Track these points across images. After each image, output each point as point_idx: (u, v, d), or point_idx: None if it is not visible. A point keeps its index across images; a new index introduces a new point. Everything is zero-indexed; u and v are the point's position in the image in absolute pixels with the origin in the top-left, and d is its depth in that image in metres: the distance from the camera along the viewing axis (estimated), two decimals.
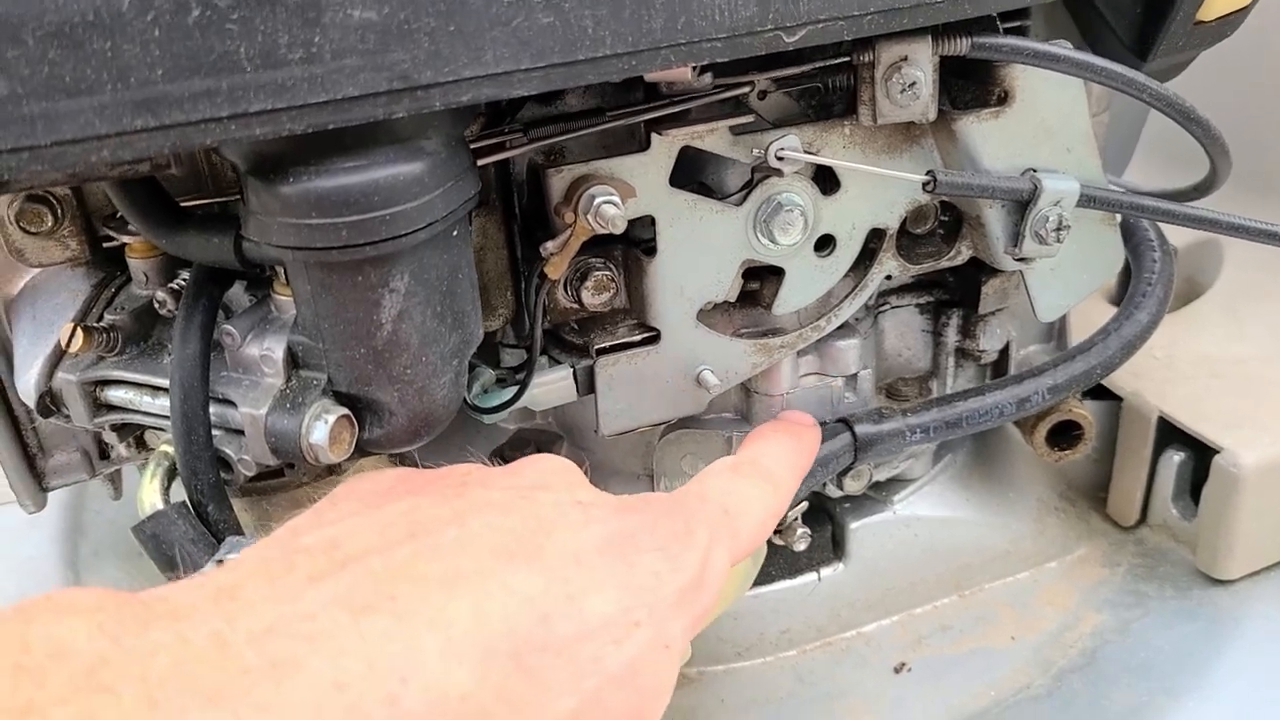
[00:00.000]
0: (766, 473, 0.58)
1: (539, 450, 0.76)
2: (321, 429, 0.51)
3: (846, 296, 0.69)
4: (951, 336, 0.80)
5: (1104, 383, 0.87)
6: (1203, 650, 0.74)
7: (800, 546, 0.69)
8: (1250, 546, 0.79)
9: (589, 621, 0.42)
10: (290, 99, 0.43)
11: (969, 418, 0.72)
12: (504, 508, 0.45)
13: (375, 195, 0.48)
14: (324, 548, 0.42)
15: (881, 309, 0.78)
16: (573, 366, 0.64)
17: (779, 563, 0.78)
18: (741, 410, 0.73)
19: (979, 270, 0.76)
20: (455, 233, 0.52)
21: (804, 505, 0.68)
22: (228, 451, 0.55)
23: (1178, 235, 0.99)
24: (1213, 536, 0.80)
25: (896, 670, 0.78)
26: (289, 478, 0.56)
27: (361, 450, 0.55)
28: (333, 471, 0.58)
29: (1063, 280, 0.71)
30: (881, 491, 0.81)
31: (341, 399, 0.53)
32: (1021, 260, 0.69)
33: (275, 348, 0.53)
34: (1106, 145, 0.80)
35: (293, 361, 0.53)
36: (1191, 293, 0.99)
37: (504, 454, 0.76)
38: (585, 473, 0.52)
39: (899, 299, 0.79)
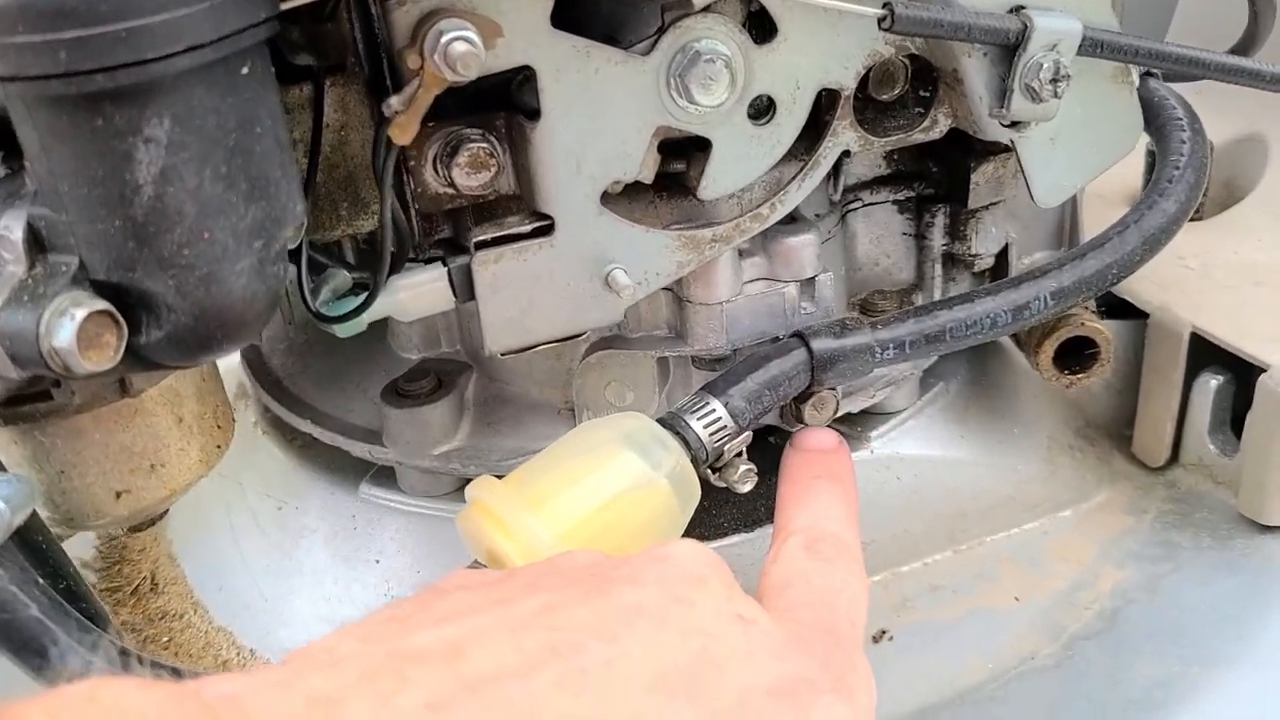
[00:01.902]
0: (845, 548, 0.49)
1: (440, 383, 0.64)
2: (67, 328, 0.39)
3: (795, 178, 0.56)
4: (937, 239, 0.66)
5: (1127, 298, 0.74)
6: (1245, 610, 0.61)
7: (744, 487, 0.56)
8: None
9: None
10: None
11: (954, 330, 0.58)
12: (659, 616, 0.38)
13: (102, 2, 0.35)
14: (444, 655, 0.33)
15: (851, 206, 0.65)
16: (446, 264, 0.52)
17: (731, 512, 0.65)
18: (675, 326, 0.60)
19: (967, 155, 0.63)
20: (245, 70, 0.40)
21: (748, 437, 0.55)
22: None
23: (1216, 132, 0.85)
24: (1258, 474, 0.66)
25: (875, 639, 0.65)
26: (59, 400, 0.44)
27: (144, 361, 0.42)
28: (126, 391, 0.46)
29: (1066, 154, 0.57)
30: (855, 426, 0.68)
31: (104, 291, 0.41)
32: (1013, 127, 0.55)
33: (14, 225, 0.41)
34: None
35: (37, 243, 0.41)
36: (1230, 198, 0.85)
37: (398, 388, 0.64)
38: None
39: (872, 194, 0.66)
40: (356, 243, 0.61)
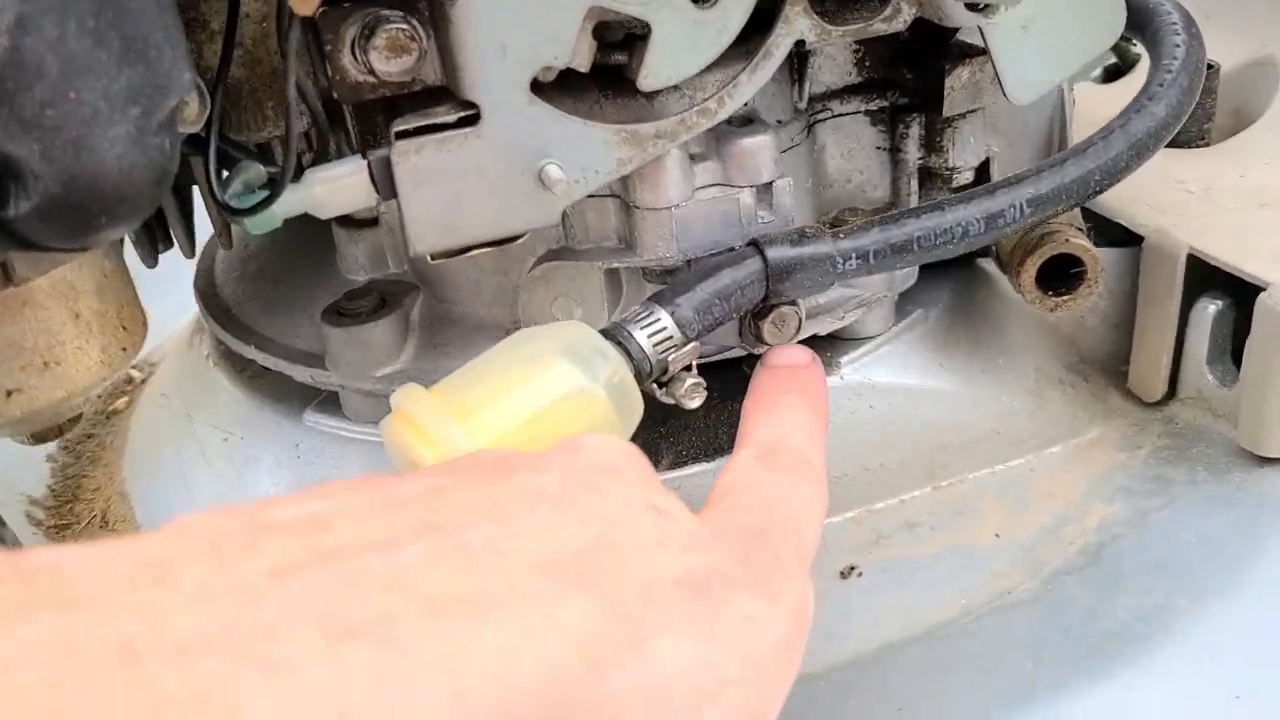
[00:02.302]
0: (804, 461, 0.46)
1: (384, 302, 0.61)
2: None
3: (744, 70, 0.52)
4: (912, 151, 0.62)
5: (1122, 221, 0.70)
6: (1238, 543, 0.56)
7: (691, 403, 0.52)
8: None
9: (658, 674, 0.31)
10: None
11: (922, 240, 0.54)
12: (559, 500, 0.35)
13: None
14: (303, 526, 0.30)
15: (819, 116, 0.61)
16: (365, 155, 0.49)
17: (690, 439, 0.62)
18: (624, 235, 0.57)
19: (942, 58, 0.59)
20: None
21: (695, 348, 0.52)
22: None
23: (1225, 57, 0.80)
24: (1257, 402, 0.62)
25: (843, 575, 0.61)
26: None
27: (15, 237, 0.40)
28: (10, 279, 0.43)
29: (1040, 45, 0.53)
30: (824, 351, 0.64)
31: None
32: (980, 11, 0.51)
33: None
34: None
35: None
36: (1240, 125, 0.80)
37: (340, 307, 0.61)
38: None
39: (842, 104, 0.62)
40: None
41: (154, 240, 0.58)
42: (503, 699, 0.28)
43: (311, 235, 0.69)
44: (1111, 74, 0.91)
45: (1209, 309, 0.65)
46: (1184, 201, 0.70)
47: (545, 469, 0.36)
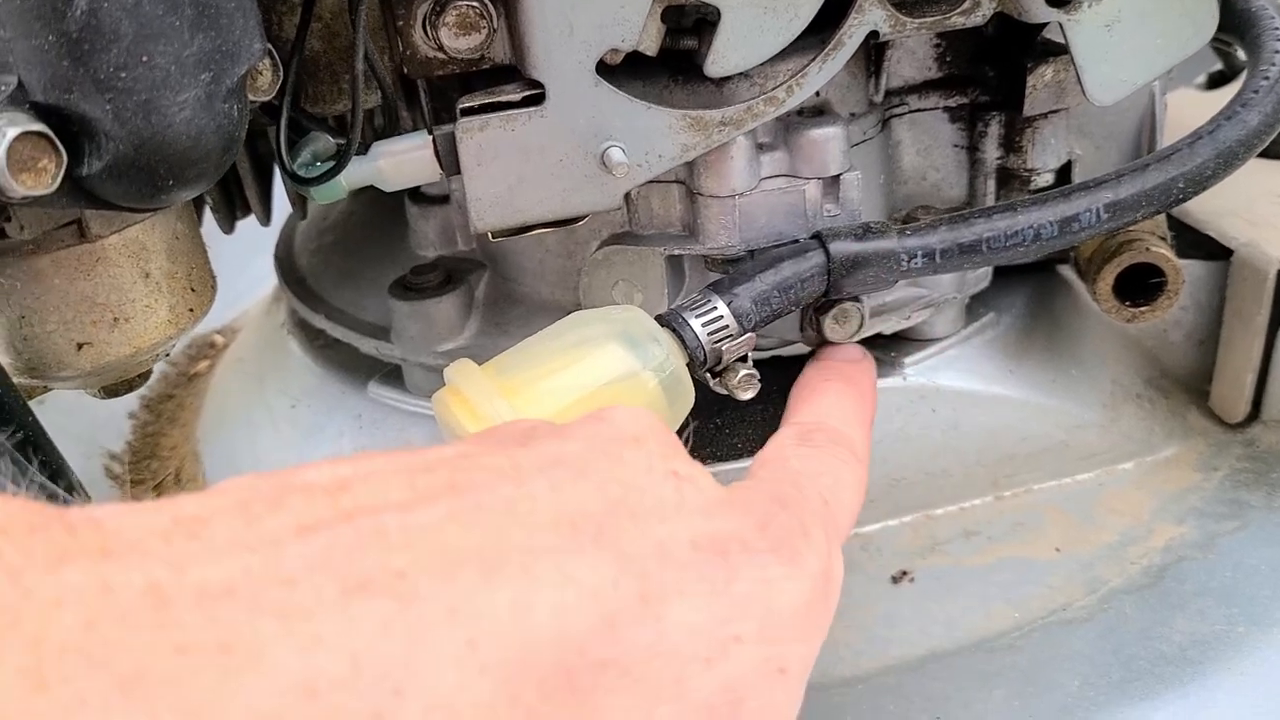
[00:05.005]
0: (843, 440, 0.47)
1: (449, 279, 0.62)
2: None
3: (814, 59, 0.51)
4: (991, 150, 0.61)
5: (1212, 234, 0.67)
6: None
7: (745, 394, 0.52)
8: None
9: (669, 633, 0.31)
10: None
11: (991, 241, 0.53)
12: (579, 465, 0.35)
13: None
14: (328, 487, 0.31)
15: (896, 110, 0.60)
16: (431, 131, 0.49)
17: (745, 432, 0.61)
18: (688, 222, 0.56)
19: (1025, 56, 0.58)
20: None
21: (751, 339, 0.51)
22: None
23: None
24: None
25: (895, 579, 0.60)
26: (13, 236, 0.43)
27: (86, 193, 0.41)
28: (85, 235, 0.45)
29: (1124, 44, 0.51)
30: (888, 351, 0.63)
31: (45, 114, 0.39)
32: (1062, 7, 0.50)
33: None
34: None
35: None
36: None
37: (406, 281, 0.62)
38: (685, 441, 0.41)
39: (921, 99, 0.60)
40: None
41: (232, 207, 0.60)
42: (517, 649, 0.29)
43: (386, 210, 0.70)
44: (1216, 80, 0.88)
45: None
46: (1279, 215, 0.67)
47: (570, 437, 0.37)
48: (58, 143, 0.39)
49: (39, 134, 0.38)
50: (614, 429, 0.37)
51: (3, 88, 0.39)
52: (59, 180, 0.39)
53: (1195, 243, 0.68)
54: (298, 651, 0.26)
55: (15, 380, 0.46)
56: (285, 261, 0.73)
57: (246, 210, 0.61)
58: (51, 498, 0.41)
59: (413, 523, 0.30)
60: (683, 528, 0.34)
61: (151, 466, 0.77)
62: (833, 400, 0.50)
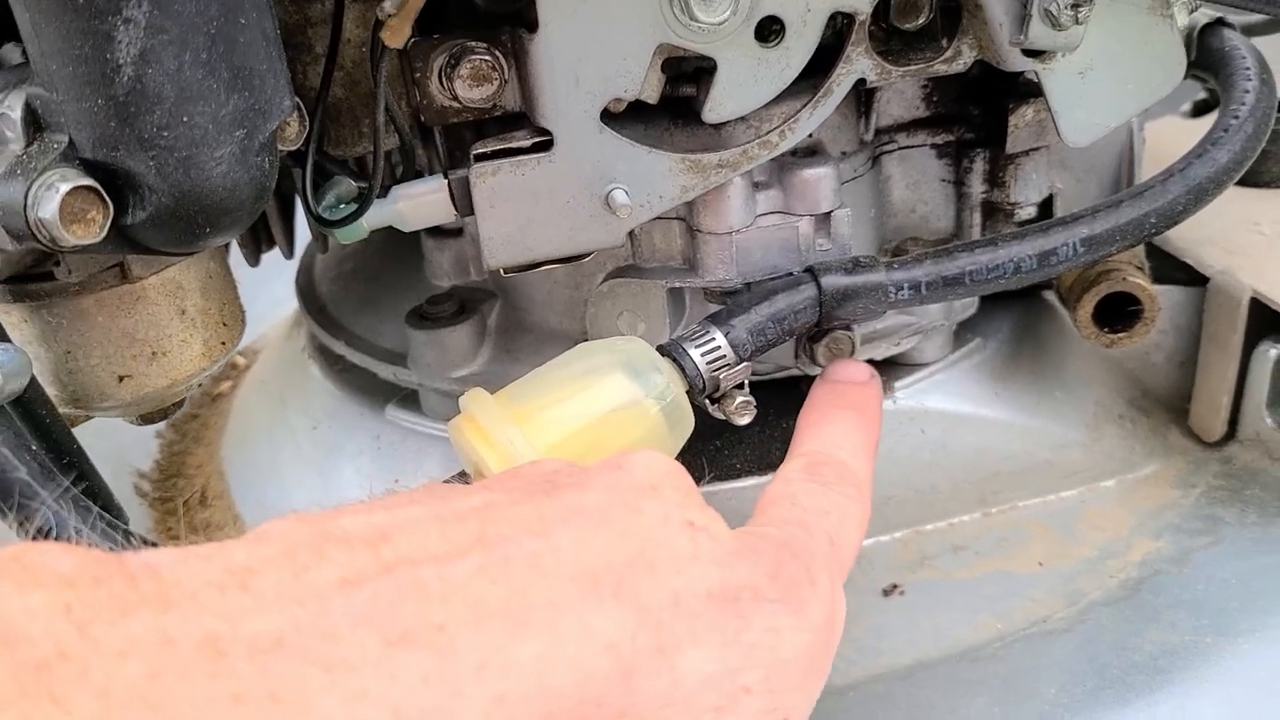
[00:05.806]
0: (849, 475, 0.49)
1: (463, 308, 0.65)
2: (51, 200, 0.41)
3: (806, 105, 0.55)
4: (976, 185, 0.64)
5: (1189, 261, 0.70)
6: (1276, 585, 0.57)
7: (741, 420, 0.55)
8: None
9: (683, 682, 0.34)
10: None
11: (974, 274, 0.56)
12: (600, 516, 0.37)
13: None
14: (368, 539, 0.33)
15: (885, 148, 0.64)
16: (446, 175, 0.53)
17: (744, 453, 0.65)
18: (688, 257, 0.60)
19: (1007, 96, 0.61)
20: None
21: (747, 368, 0.55)
22: None
23: None
24: None
25: (885, 592, 0.64)
26: (61, 279, 0.47)
27: (130, 240, 0.44)
28: (126, 277, 0.48)
29: (1097, 90, 0.55)
30: (879, 375, 0.66)
31: (92, 169, 0.43)
32: (1036, 57, 0.53)
33: (15, 104, 0.43)
34: None
35: (34, 121, 0.43)
36: None
37: (422, 311, 0.65)
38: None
39: (909, 136, 0.64)
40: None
41: (258, 241, 0.63)
42: (541, 703, 0.32)
43: (402, 240, 0.73)
44: (1200, 109, 0.91)
45: (1271, 353, 0.65)
46: (1253, 244, 0.70)
47: (590, 486, 0.39)
48: (105, 196, 0.43)
49: (88, 188, 0.42)
50: (632, 478, 0.39)
51: (55, 146, 0.42)
52: (106, 230, 0.43)
53: (1175, 269, 0.71)
54: (343, 702, 0.29)
55: (60, 410, 0.50)
56: (306, 289, 0.76)
57: (271, 244, 0.64)
58: (110, 537, 0.44)
59: (448, 575, 0.33)
60: (698, 578, 0.37)
61: (178, 484, 0.80)
62: (841, 431, 0.52)
